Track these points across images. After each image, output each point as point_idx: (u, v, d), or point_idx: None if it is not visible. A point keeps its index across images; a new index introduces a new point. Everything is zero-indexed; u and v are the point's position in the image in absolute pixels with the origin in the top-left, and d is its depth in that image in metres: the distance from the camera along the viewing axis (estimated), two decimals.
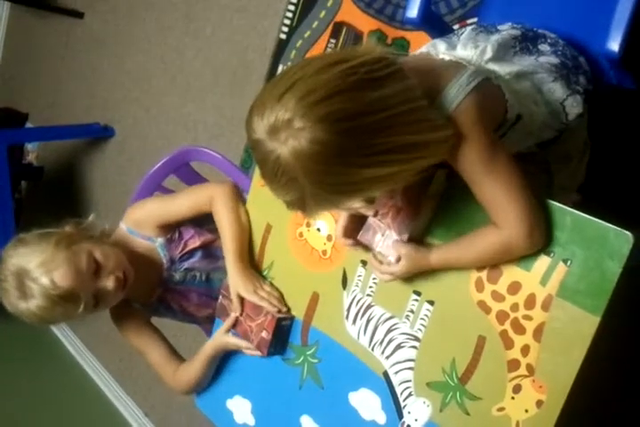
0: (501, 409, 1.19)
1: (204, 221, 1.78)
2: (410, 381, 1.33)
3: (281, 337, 1.52)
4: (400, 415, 1.34)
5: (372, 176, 1.01)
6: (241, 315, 1.55)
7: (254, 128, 1.01)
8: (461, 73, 1.08)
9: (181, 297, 1.78)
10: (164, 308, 1.78)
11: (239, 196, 1.63)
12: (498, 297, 1.19)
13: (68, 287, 1.52)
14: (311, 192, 1.01)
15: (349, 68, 0.98)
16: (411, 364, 1.32)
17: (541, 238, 1.11)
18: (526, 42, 1.31)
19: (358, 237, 1.32)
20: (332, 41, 2.27)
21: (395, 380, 1.35)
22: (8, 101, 3.85)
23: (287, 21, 2.45)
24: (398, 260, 1.22)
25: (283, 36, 2.47)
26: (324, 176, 0.99)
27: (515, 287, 1.17)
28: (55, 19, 3.60)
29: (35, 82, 3.82)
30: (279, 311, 1.51)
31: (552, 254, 1.13)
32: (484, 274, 1.21)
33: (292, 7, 2.44)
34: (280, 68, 2.49)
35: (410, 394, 1.33)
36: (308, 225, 1.50)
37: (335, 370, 1.46)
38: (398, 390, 1.34)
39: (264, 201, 1.59)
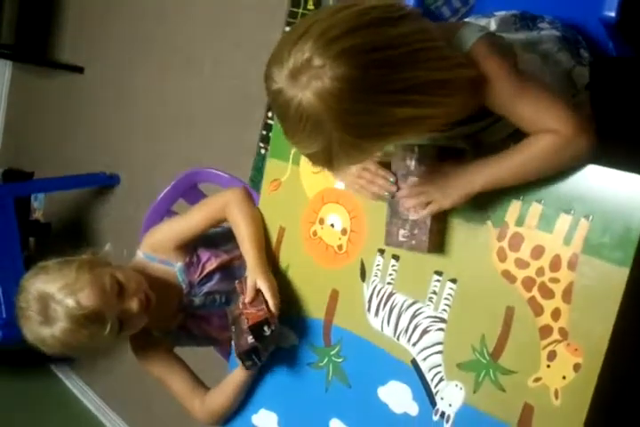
0: (538, 380, 1.15)
1: (219, 241, 1.77)
2: (440, 365, 1.29)
3: (261, 335, 1.45)
4: (433, 403, 1.30)
5: (400, 117, 0.98)
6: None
7: (274, 78, 0.98)
8: (471, 23, 1.09)
9: (203, 322, 1.74)
10: (185, 335, 1.74)
11: (252, 199, 1.62)
12: (522, 264, 1.17)
13: (94, 307, 1.48)
14: (338, 138, 0.97)
15: (363, 8, 0.97)
16: (439, 347, 1.29)
17: (593, 133, 1.05)
18: (525, 20, 1.33)
19: (386, 243, 1.30)
20: None
21: (424, 366, 1.31)
22: (13, 161, 3.89)
23: None
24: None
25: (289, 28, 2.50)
26: (351, 116, 0.96)
27: (538, 251, 1.15)
28: (56, 75, 3.67)
29: (38, 139, 3.87)
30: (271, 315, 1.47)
31: (572, 212, 1.11)
32: (505, 243, 1.19)
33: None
34: None
35: (441, 379, 1.28)
36: (322, 222, 1.48)
37: (361, 366, 1.42)
38: (428, 376, 1.30)
39: (275, 205, 1.58)
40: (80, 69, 3.54)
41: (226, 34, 2.85)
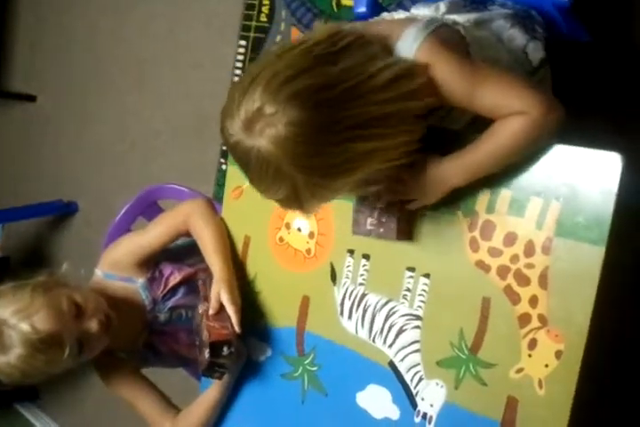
0: (520, 370, 1.11)
1: (182, 255, 1.72)
2: (418, 364, 1.25)
3: (219, 354, 1.40)
4: (414, 405, 1.25)
5: (360, 152, 0.98)
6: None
7: (229, 131, 0.98)
8: (417, 22, 1.07)
9: (169, 338, 1.68)
10: (152, 354, 1.68)
11: (214, 209, 1.58)
12: (495, 252, 1.14)
13: (50, 331, 1.41)
14: (303, 181, 0.97)
15: (306, 48, 0.98)
16: (416, 346, 1.25)
17: (561, 110, 1.03)
18: (475, 3, 1.31)
19: (353, 232, 1.26)
20: None
21: (402, 367, 1.27)
22: None
23: (239, 64, 2.48)
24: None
25: (237, 79, 2.48)
26: (310, 158, 0.96)
27: (511, 238, 1.12)
28: (7, 104, 3.60)
29: None
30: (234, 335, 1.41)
31: (542, 194, 1.09)
32: (476, 232, 1.16)
33: (242, 50, 2.47)
34: None
35: (420, 379, 1.24)
36: (288, 227, 1.44)
37: (337, 373, 1.38)
38: (407, 377, 1.26)
39: (238, 214, 1.54)
40: (32, 98, 3.47)
41: (179, 52, 2.82)
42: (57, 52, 3.45)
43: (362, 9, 1.49)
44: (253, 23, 2.36)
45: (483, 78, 1.04)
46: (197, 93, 2.71)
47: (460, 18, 1.18)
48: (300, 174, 0.96)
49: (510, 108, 1.04)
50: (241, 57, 2.47)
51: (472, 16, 1.20)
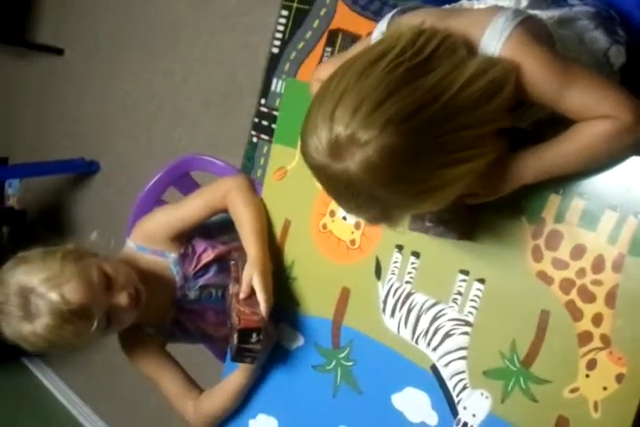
0: (575, 390, 1.06)
1: (216, 232, 1.66)
2: (463, 372, 1.19)
3: (247, 340, 1.35)
4: (454, 413, 1.20)
5: (452, 174, 0.93)
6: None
7: (312, 154, 0.94)
8: (503, 11, 0.99)
9: (197, 317, 1.64)
10: (179, 330, 1.64)
11: (255, 188, 1.51)
12: (560, 264, 1.08)
13: (81, 302, 1.36)
14: (394, 203, 0.94)
15: (392, 61, 0.91)
16: (463, 353, 1.19)
17: None
18: None
19: (409, 228, 1.19)
20: (329, 49, 2.21)
21: (445, 373, 1.22)
22: None
23: (279, 35, 2.39)
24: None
25: (275, 50, 2.40)
26: (403, 184, 0.91)
27: (579, 251, 1.06)
28: (33, 56, 3.52)
29: (12, 123, 3.71)
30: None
31: (618, 208, 1.02)
32: (541, 241, 1.10)
33: (283, 20, 2.39)
34: (274, 82, 2.41)
35: (464, 387, 1.19)
36: (332, 215, 1.38)
37: (374, 371, 1.33)
38: (450, 384, 1.21)
39: (280, 196, 1.48)
40: (60, 51, 3.39)
41: (215, 15, 2.73)
42: (89, 8, 3.36)
43: None
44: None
45: (574, 77, 0.97)
46: (232, 62, 2.62)
47: (542, 14, 1.10)
48: (392, 197, 0.92)
49: (599, 111, 0.97)
50: (281, 27, 2.38)
51: (555, 13, 1.12)
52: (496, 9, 1.01)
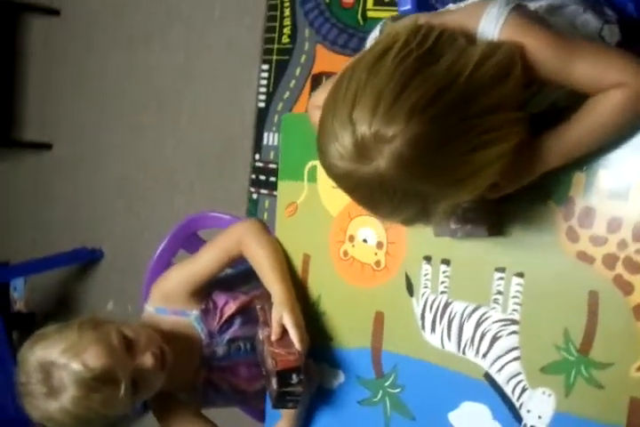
0: None
1: (235, 284, 1.62)
2: (519, 373, 1.13)
3: (287, 382, 1.29)
4: (518, 419, 1.14)
5: (483, 159, 0.90)
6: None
7: (337, 163, 0.90)
8: (494, 1, 0.99)
9: (229, 373, 1.57)
10: (212, 391, 1.57)
11: (267, 229, 1.48)
12: (599, 241, 1.04)
13: (103, 367, 1.31)
14: (432, 195, 0.90)
15: (398, 53, 0.90)
16: (515, 353, 1.14)
17: None
18: None
19: (435, 234, 1.16)
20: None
21: (500, 379, 1.16)
22: None
23: (263, 89, 2.42)
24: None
25: (261, 105, 2.43)
26: (439, 171, 0.89)
27: (615, 223, 1.02)
28: (24, 154, 3.55)
29: (9, 225, 3.70)
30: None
31: None
32: (574, 221, 1.06)
33: (264, 74, 2.43)
34: (266, 136, 2.42)
35: (524, 389, 1.13)
36: (352, 240, 1.35)
37: (424, 393, 1.27)
38: (507, 389, 1.15)
39: (294, 232, 1.45)
40: (48, 146, 3.42)
41: (200, 79, 2.76)
42: (71, 98, 3.41)
43: (407, 7, 1.42)
44: (275, 46, 2.31)
45: (577, 49, 0.97)
46: (220, 122, 2.64)
47: (530, 5, 1.11)
48: (428, 189, 0.89)
49: (610, 79, 0.95)
50: (264, 81, 2.42)
51: (542, 2, 1.13)
52: (486, 1, 1.01)
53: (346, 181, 0.93)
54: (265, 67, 2.40)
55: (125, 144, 3.12)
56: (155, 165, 2.98)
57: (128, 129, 3.09)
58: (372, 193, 0.91)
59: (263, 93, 2.42)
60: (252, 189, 2.46)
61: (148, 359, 1.38)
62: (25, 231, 3.66)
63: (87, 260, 3.20)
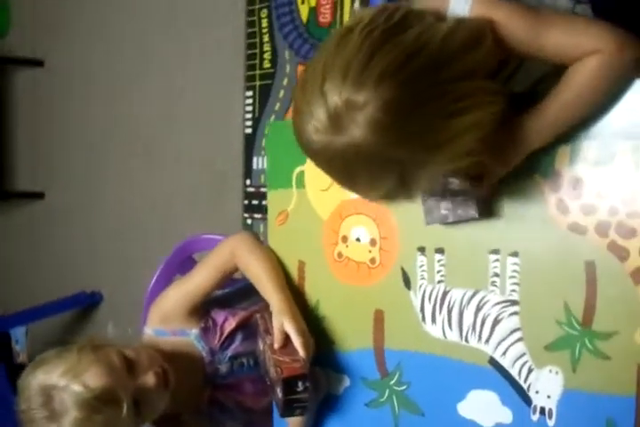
0: None
1: (233, 301, 1.61)
2: (524, 354, 1.12)
3: (293, 390, 1.27)
4: (528, 401, 1.12)
5: (458, 126, 0.90)
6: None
7: (313, 137, 0.91)
8: None
9: (234, 391, 1.54)
10: (218, 410, 1.54)
11: (259, 239, 1.48)
12: (589, 209, 1.04)
13: (104, 387, 1.28)
14: (410, 162, 0.90)
15: (365, 27, 0.90)
16: (518, 334, 1.12)
17: (637, 44, 0.95)
18: None
19: (427, 223, 1.16)
20: None
21: (505, 362, 1.14)
22: None
23: (249, 115, 2.45)
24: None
25: (248, 131, 2.45)
26: (413, 135, 0.88)
27: (604, 190, 1.03)
28: (16, 204, 3.56)
29: (7, 274, 3.68)
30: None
31: (631, 135, 1.00)
32: (562, 193, 1.06)
33: (249, 100, 2.46)
34: (255, 161, 2.44)
35: (530, 370, 1.11)
36: (345, 240, 1.34)
37: (431, 387, 1.24)
38: (514, 371, 1.13)
39: (287, 239, 1.45)
40: (40, 195, 3.44)
41: (185, 115, 2.79)
42: (61, 146, 3.44)
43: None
44: (257, 72, 2.35)
45: (548, 19, 0.98)
46: (208, 153, 2.66)
47: None
48: (405, 155, 0.89)
49: (583, 47, 0.96)
50: (249, 107, 2.45)
51: None
52: None
53: (323, 156, 0.93)
54: (249, 93, 2.44)
55: (117, 187, 3.14)
56: (147, 204, 2.99)
57: (118, 172, 3.12)
58: (349, 165, 0.90)
59: (249, 119, 2.45)
60: (246, 215, 2.46)
61: (149, 378, 1.35)
62: (23, 280, 3.65)
63: (87, 304, 3.19)
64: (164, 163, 2.88)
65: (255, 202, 2.41)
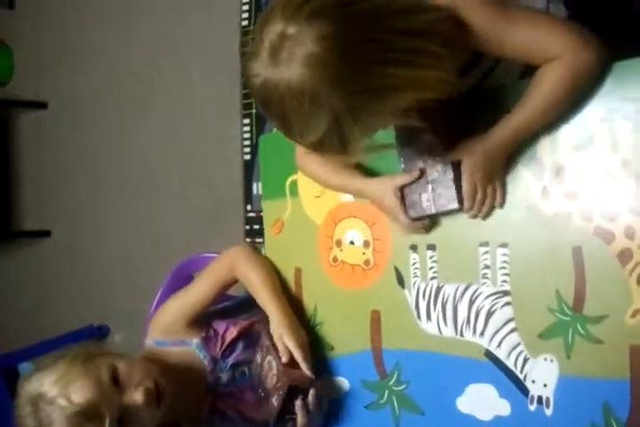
0: (636, 312, 1.00)
1: (233, 313, 1.61)
2: (519, 344, 1.12)
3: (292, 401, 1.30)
4: (525, 391, 1.12)
5: (393, 76, 0.91)
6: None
7: (253, 71, 0.92)
8: None
9: (235, 400, 1.53)
10: (219, 420, 1.52)
11: (257, 250, 1.50)
12: (572, 195, 1.06)
13: (89, 402, 1.25)
14: (342, 104, 0.90)
15: None
16: (511, 325, 1.13)
17: (599, 44, 0.98)
18: None
19: (412, 217, 1.18)
20: None
21: (501, 353, 1.15)
22: None
23: (247, 142, 2.48)
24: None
25: (247, 157, 2.48)
26: (346, 76, 0.89)
27: (585, 174, 1.05)
28: (22, 243, 3.59)
29: (12, 312, 3.69)
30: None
31: (606, 119, 1.02)
32: (546, 181, 1.08)
33: (247, 128, 2.49)
34: (255, 187, 2.47)
35: (525, 359, 1.12)
36: (339, 244, 1.36)
37: (429, 384, 1.24)
38: (509, 362, 1.14)
39: (284, 248, 1.47)
40: (47, 233, 3.47)
41: (185, 145, 2.83)
42: (62, 185, 3.48)
43: None
44: (253, 100, 2.39)
45: (515, 15, 1.00)
46: (210, 181, 2.69)
47: None
48: (338, 95, 0.89)
49: (544, 50, 1.00)
50: (247, 135, 2.49)
51: None
52: None
53: (262, 94, 0.92)
54: (246, 121, 2.48)
55: (120, 221, 3.17)
56: (152, 235, 3.01)
57: (122, 206, 3.15)
58: (284, 103, 0.90)
59: (247, 146, 2.48)
60: (248, 240, 2.48)
61: (137, 396, 1.30)
62: (31, 316, 3.65)
63: (94, 337, 3.18)
64: (167, 193, 2.91)
65: (256, 227, 2.43)
